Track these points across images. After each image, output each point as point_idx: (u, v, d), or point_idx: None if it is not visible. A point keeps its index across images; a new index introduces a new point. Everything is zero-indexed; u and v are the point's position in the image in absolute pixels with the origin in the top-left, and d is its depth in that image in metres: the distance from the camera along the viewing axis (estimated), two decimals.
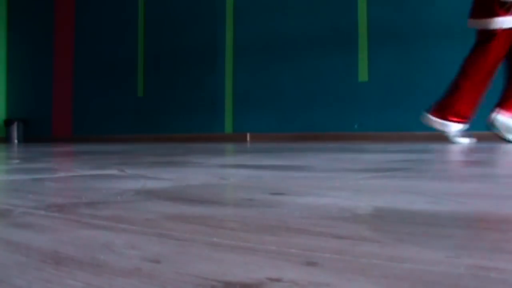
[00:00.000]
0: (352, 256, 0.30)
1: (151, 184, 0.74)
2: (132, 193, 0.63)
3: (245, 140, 4.33)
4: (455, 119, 2.89)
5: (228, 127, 4.51)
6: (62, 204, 0.55)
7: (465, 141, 2.93)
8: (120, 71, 5.29)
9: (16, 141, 5.96)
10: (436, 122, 2.89)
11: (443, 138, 3.29)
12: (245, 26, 4.45)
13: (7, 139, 5.97)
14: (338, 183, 0.72)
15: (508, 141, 2.86)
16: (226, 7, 4.55)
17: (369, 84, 3.79)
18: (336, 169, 0.97)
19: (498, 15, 2.82)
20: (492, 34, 2.87)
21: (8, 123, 6.06)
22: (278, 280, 0.25)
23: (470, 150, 1.83)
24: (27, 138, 5.99)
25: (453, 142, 2.91)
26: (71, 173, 1.02)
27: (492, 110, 2.86)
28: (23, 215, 0.47)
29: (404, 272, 0.26)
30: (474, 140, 2.97)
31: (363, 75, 3.80)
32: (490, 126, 2.88)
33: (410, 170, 0.92)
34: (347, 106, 3.86)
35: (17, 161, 1.54)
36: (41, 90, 6.02)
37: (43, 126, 5.97)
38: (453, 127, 2.89)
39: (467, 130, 2.95)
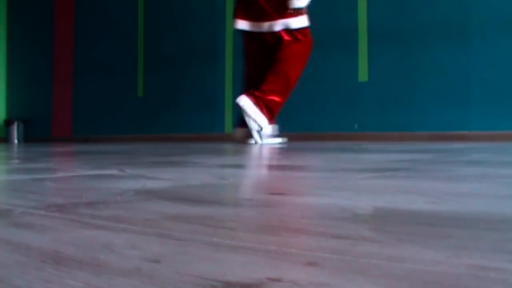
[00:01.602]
0: (352, 256, 0.30)
1: (151, 184, 0.74)
2: (132, 193, 0.63)
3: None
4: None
5: (228, 127, 4.51)
6: (62, 204, 0.55)
7: (276, 141, 2.98)
8: (120, 71, 5.29)
9: (16, 141, 5.96)
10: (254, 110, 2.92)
11: (444, 137, 3.29)
12: None
13: (7, 139, 5.96)
14: (338, 183, 0.72)
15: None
16: (226, 7, 4.55)
17: (369, 84, 3.79)
18: (336, 169, 0.97)
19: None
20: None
21: (8, 123, 6.06)
22: (278, 280, 0.25)
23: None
24: (27, 138, 5.99)
25: (252, 141, 2.96)
26: (71, 173, 1.02)
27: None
28: (23, 215, 0.47)
29: (404, 272, 0.26)
30: (285, 139, 3.03)
31: (363, 75, 3.80)
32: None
33: (410, 170, 0.92)
34: (347, 106, 3.86)
35: (17, 161, 1.54)
36: (41, 90, 6.02)
37: (43, 126, 5.97)
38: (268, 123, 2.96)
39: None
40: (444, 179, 0.75)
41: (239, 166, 1.20)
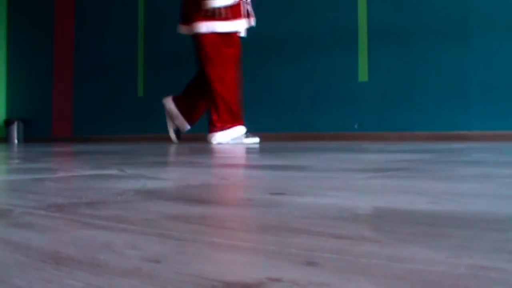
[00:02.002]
0: (352, 256, 0.30)
1: (151, 184, 0.74)
2: (132, 193, 0.63)
3: None
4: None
5: None
6: (62, 204, 0.55)
7: (251, 141, 3.05)
8: (120, 71, 5.29)
9: (16, 141, 5.96)
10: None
11: (444, 137, 3.29)
12: None
13: (7, 139, 5.96)
14: (338, 183, 0.72)
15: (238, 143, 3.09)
16: None
17: (369, 84, 3.79)
18: (336, 169, 0.97)
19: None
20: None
21: (8, 123, 6.06)
22: (278, 280, 0.25)
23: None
24: (27, 138, 5.99)
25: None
26: (71, 173, 1.02)
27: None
28: (23, 215, 0.47)
29: (404, 272, 0.26)
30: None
31: (363, 75, 3.81)
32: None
33: (410, 170, 0.92)
34: (347, 106, 3.86)
35: (17, 161, 1.53)
36: (41, 90, 6.02)
37: (43, 126, 5.97)
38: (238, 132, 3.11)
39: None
40: (444, 179, 0.75)
41: (239, 166, 1.20)
